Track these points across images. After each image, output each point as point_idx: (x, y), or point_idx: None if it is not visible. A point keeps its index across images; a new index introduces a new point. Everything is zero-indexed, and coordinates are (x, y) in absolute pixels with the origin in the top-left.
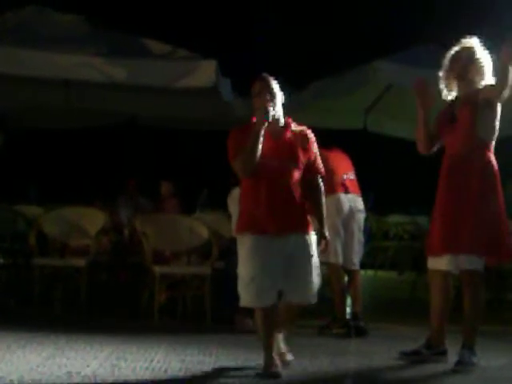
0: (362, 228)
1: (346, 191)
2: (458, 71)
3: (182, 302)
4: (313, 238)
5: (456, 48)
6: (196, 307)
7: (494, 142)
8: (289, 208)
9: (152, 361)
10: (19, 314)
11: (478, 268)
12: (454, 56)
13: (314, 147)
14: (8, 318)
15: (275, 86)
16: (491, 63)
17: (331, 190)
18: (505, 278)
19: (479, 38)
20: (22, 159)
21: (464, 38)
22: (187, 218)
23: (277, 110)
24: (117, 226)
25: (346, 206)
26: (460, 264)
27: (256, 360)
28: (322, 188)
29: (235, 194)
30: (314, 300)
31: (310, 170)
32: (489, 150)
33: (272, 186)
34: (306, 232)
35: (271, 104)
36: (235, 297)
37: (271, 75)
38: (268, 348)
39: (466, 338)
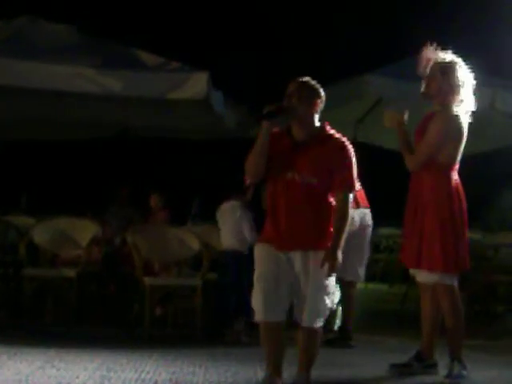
0: (369, 241)
1: (358, 206)
2: (427, 90)
3: (173, 314)
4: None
5: (431, 64)
6: (186, 319)
7: (456, 162)
8: (299, 224)
9: (142, 372)
10: (9, 324)
11: (440, 281)
12: (428, 72)
13: (344, 157)
14: None
15: (308, 91)
16: (468, 78)
17: None
18: (494, 290)
19: (462, 51)
20: (14, 170)
21: (440, 52)
22: (178, 230)
23: (302, 116)
24: (107, 237)
25: (356, 224)
26: (423, 278)
27: (246, 372)
28: (345, 206)
29: (224, 208)
30: (317, 324)
31: (334, 184)
32: (446, 170)
33: (287, 199)
34: (317, 250)
35: (280, 105)
36: (226, 309)
37: (263, 86)
38: (267, 365)
39: (452, 351)
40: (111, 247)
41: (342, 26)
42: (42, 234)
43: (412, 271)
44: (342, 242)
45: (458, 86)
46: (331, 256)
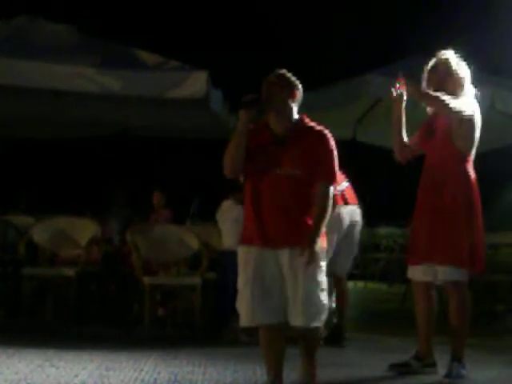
0: (358, 239)
1: (346, 203)
2: (436, 85)
3: (172, 313)
4: (324, 252)
5: (432, 61)
6: (186, 318)
7: (473, 154)
8: (284, 219)
9: (141, 371)
10: (8, 323)
11: (457, 279)
12: (430, 70)
13: (325, 149)
14: None
15: (286, 82)
16: (469, 74)
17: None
18: (494, 290)
19: (461, 51)
20: (13, 169)
21: (440, 50)
22: (177, 229)
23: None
24: (107, 237)
25: (346, 221)
26: (439, 275)
27: (245, 371)
28: (325, 198)
29: (223, 207)
30: (314, 324)
31: (315, 177)
32: (466, 162)
33: (269, 195)
34: (314, 245)
35: (257, 95)
36: (225, 309)
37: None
38: (268, 370)
39: (455, 351)
40: (111, 247)
41: (342, 26)
42: (41, 233)
43: (413, 269)
44: (319, 234)
45: (465, 84)
46: (308, 245)
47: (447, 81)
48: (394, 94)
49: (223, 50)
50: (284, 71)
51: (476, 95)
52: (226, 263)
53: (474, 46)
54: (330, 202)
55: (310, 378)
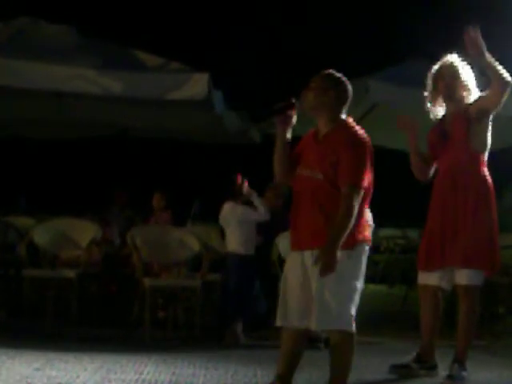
0: None
1: None
2: (444, 91)
3: (173, 315)
4: (342, 254)
5: (437, 66)
6: (186, 320)
7: (486, 155)
8: (308, 222)
9: (142, 373)
10: (9, 325)
11: (474, 283)
12: (436, 75)
13: (348, 152)
14: None
15: (322, 82)
16: (473, 76)
17: None
18: (495, 291)
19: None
20: (14, 170)
21: (444, 54)
22: (178, 230)
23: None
24: (108, 238)
25: None
26: (456, 278)
27: (246, 373)
28: (344, 204)
29: (225, 210)
30: (326, 328)
31: (338, 179)
32: (482, 164)
33: (300, 197)
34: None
35: (289, 100)
36: (227, 311)
37: (264, 87)
38: (276, 370)
39: (459, 353)
40: (111, 248)
41: (342, 26)
42: (42, 234)
43: (423, 274)
44: (340, 241)
45: (471, 86)
46: (324, 253)
47: (455, 85)
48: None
49: (224, 51)
50: (328, 71)
51: None
52: (229, 265)
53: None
54: (352, 208)
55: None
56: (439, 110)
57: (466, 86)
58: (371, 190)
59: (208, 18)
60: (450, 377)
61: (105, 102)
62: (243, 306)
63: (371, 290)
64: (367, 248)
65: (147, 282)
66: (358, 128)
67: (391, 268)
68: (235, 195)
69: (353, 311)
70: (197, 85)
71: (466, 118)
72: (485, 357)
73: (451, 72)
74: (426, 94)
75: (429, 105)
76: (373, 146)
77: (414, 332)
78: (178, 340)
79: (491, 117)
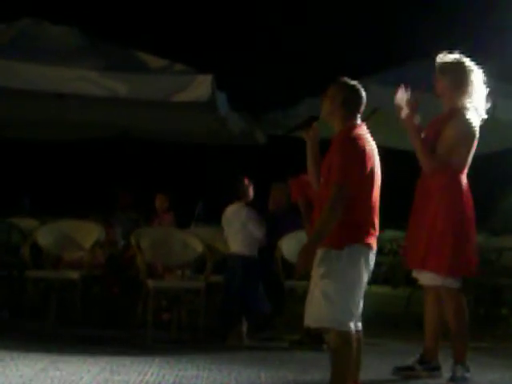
0: None
1: None
2: (439, 90)
3: (176, 316)
4: (330, 254)
5: (438, 65)
6: (190, 321)
7: (467, 164)
8: (314, 223)
9: (145, 375)
10: (13, 326)
11: (444, 284)
12: (437, 74)
13: (336, 155)
14: (1, 330)
15: (332, 90)
16: (478, 77)
17: None
18: (499, 293)
19: (471, 52)
20: (17, 172)
21: (446, 53)
22: (182, 232)
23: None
24: (111, 240)
25: None
26: (422, 280)
27: (249, 375)
28: (328, 200)
29: (229, 212)
30: (312, 324)
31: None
32: (457, 173)
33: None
34: (322, 247)
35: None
36: (231, 312)
37: (267, 89)
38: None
39: (456, 354)
40: (115, 250)
41: (344, 28)
42: (45, 236)
43: (415, 273)
44: (318, 237)
45: (463, 85)
46: (302, 249)
47: (450, 86)
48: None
49: (227, 52)
50: (338, 79)
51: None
52: (233, 266)
53: (475, 51)
54: (333, 207)
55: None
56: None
57: (462, 88)
58: (370, 194)
59: (210, 19)
60: (452, 378)
61: (108, 104)
62: (247, 307)
63: (375, 291)
64: (365, 250)
65: (151, 283)
66: (357, 132)
67: (395, 269)
68: (240, 197)
69: (346, 311)
70: (200, 86)
71: (441, 125)
72: (487, 359)
73: (448, 71)
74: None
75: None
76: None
77: (418, 333)
78: (182, 341)
79: (472, 137)
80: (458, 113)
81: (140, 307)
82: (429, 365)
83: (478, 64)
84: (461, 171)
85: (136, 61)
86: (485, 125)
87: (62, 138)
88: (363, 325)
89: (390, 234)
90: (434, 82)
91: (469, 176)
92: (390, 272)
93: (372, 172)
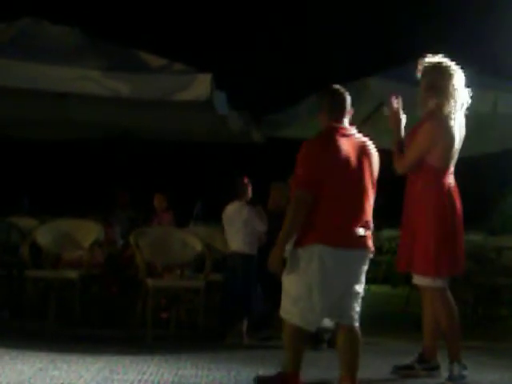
0: None
1: None
2: (421, 93)
3: (176, 315)
4: (297, 253)
5: (420, 67)
6: (189, 320)
7: (450, 166)
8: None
9: (144, 374)
10: (12, 325)
11: (428, 285)
12: (421, 77)
13: (300, 158)
14: (1, 329)
15: (321, 97)
16: (461, 80)
17: None
18: (497, 293)
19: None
20: (17, 171)
21: (428, 56)
22: (181, 231)
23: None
24: (110, 239)
25: None
26: (418, 281)
27: (249, 374)
28: (293, 201)
29: (230, 210)
30: (282, 315)
31: None
32: (435, 174)
33: None
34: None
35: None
36: (231, 311)
37: (267, 89)
38: None
39: (451, 353)
40: (114, 249)
41: (344, 28)
42: (44, 235)
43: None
44: (283, 239)
45: (438, 87)
46: (272, 251)
47: (431, 89)
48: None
49: (227, 52)
50: (328, 87)
51: (474, 98)
52: (234, 265)
53: (476, 49)
54: (292, 209)
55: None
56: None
57: (435, 88)
58: (334, 194)
59: (210, 19)
60: (451, 377)
61: (108, 103)
62: (247, 305)
63: (374, 290)
64: (326, 249)
65: (150, 282)
66: (329, 134)
67: (394, 269)
68: (240, 196)
69: (308, 309)
70: (200, 86)
71: (419, 129)
72: (486, 358)
73: (426, 73)
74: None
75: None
76: (376, 149)
77: (417, 333)
78: (181, 340)
79: (448, 138)
80: (433, 114)
81: (139, 306)
82: (428, 364)
83: (475, 63)
84: (444, 171)
85: (136, 60)
86: (484, 125)
87: (61, 137)
88: (362, 324)
89: (388, 233)
90: (421, 87)
91: (469, 176)
92: (388, 271)
93: (338, 173)
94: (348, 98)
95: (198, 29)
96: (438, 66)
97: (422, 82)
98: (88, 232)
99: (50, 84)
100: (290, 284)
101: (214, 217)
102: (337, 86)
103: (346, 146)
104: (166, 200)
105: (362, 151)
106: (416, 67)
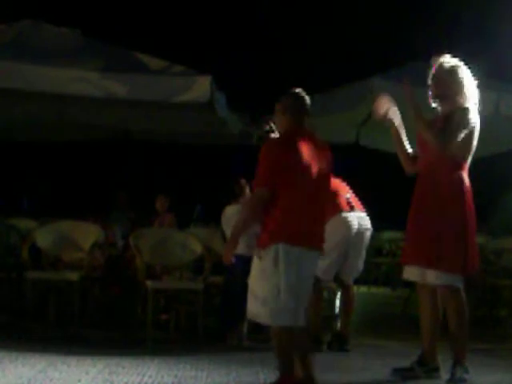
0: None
1: (352, 209)
2: (437, 92)
3: (175, 317)
4: (259, 254)
5: (434, 68)
6: (189, 322)
7: (468, 161)
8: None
9: (144, 375)
10: (12, 327)
11: (447, 283)
12: (432, 78)
13: (261, 157)
14: (0, 331)
15: (282, 102)
16: (471, 79)
17: (338, 209)
18: (498, 294)
19: (466, 55)
20: (16, 172)
21: (441, 56)
22: (181, 233)
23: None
24: (110, 240)
25: (355, 223)
26: (428, 278)
27: (248, 376)
28: (251, 199)
29: (229, 212)
30: (249, 317)
31: None
32: (458, 168)
33: None
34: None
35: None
36: (232, 313)
37: (266, 91)
38: None
39: (456, 355)
40: (114, 251)
41: (345, 29)
42: (44, 237)
43: (411, 273)
44: (234, 235)
45: (465, 87)
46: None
47: (443, 86)
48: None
49: (226, 53)
50: (290, 91)
51: (479, 100)
52: (233, 267)
53: (479, 50)
54: (248, 208)
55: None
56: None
57: (459, 89)
58: (296, 194)
59: (209, 20)
60: (451, 379)
61: (108, 105)
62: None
63: (374, 292)
64: (291, 249)
65: (150, 284)
66: (290, 136)
67: (394, 271)
68: (237, 197)
69: (277, 309)
70: (200, 87)
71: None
72: (487, 360)
73: (440, 73)
74: (429, 93)
75: (433, 104)
76: (376, 150)
77: (416, 335)
78: (181, 342)
79: (474, 127)
80: (458, 110)
81: (139, 308)
82: (428, 366)
83: (477, 64)
84: (463, 167)
85: (136, 62)
86: (486, 126)
87: (61, 139)
88: (363, 326)
89: (389, 235)
90: (433, 87)
91: (470, 177)
92: (388, 273)
93: (299, 174)
94: (308, 102)
95: (198, 30)
96: (456, 66)
97: (445, 82)
98: (88, 233)
99: (49, 85)
100: (255, 285)
101: (214, 219)
102: (299, 90)
103: (307, 148)
104: (168, 201)
105: (322, 153)
106: (416, 68)
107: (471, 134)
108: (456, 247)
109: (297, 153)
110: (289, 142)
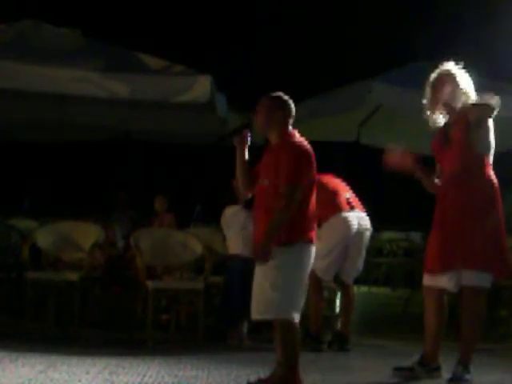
0: (367, 245)
1: (352, 208)
2: (443, 99)
3: (175, 317)
4: (279, 250)
5: (435, 74)
6: (189, 322)
7: (491, 156)
8: (259, 222)
9: (144, 376)
10: (12, 327)
11: (482, 284)
12: (435, 83)
13: (284, 157)
14: (0, 331)
15: (266, 103)
16: (471, 83)
17: (338, 209)
18: (498, 294)
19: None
20: (16, 172)
21: (441, 63)
22: (181, 233)
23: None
24: (111, 241)
25: (355, 223)
26: (463, 280)
27: (249, 376)
28: (281, 200)
29: (228, 213)
30: (262, 317)
31: (279, 182)
32: (487, 166)
33: (255, 202)
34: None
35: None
36: (231, 313)
37: (267, 90)
38: None
39: (463, 356)
40: (114, 251)
41: (345, 29)
42: (44, 237)
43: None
44: (272, 234)
45: (468, 92)
46: (259, 245)
47: (454, 92)
48: None
49: (226, 53)
50: (273, 94)
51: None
52: (233, 267)
53: (476, 53)
54: (285, 205)
55: (278, 364)
56: (438, 117)
57: (465, 92)
58: (314, 193)
59: (209, 20)
60: (452, 379)
61: (108, 105)
62: (247, 307)
63: (374, 292)
64: (310, 246)
65: (150, 284)
66: (298, 138)
67: (394, 271)
68: (236, 198)
69: (293, 302)
70: (200, 87)
71: (466, 122)
72: (487, 360)
73: (450, 79)
74: (424, 101)
75: (428, 113)
76: (375, 149)
77: (417, 334)
78: (181, 342)
79: (490, 121)
80: (472, 109)
81: (139, 308)
82: (429, 366)
83: (477, 67)
84: (488, 163)
85: (136, 62)
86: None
87: (61, 139)
88: (363, 326)
89: (389, 235)
90: (439, 92)
91: None
92: (389, 273)
93: (315, 174)
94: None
95: (198, 30)
96: (457, 72)
97: (448, 87)
98: (88, 234)
99: (50, 86)
100: (279, 279)
101: (214, 219)
102: (283, 94)
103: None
104: (166, 202)
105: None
106: (416, 69)
107: (488, 126)
108: (496, 247)
109: (311, 153)
110: (304, 143)
